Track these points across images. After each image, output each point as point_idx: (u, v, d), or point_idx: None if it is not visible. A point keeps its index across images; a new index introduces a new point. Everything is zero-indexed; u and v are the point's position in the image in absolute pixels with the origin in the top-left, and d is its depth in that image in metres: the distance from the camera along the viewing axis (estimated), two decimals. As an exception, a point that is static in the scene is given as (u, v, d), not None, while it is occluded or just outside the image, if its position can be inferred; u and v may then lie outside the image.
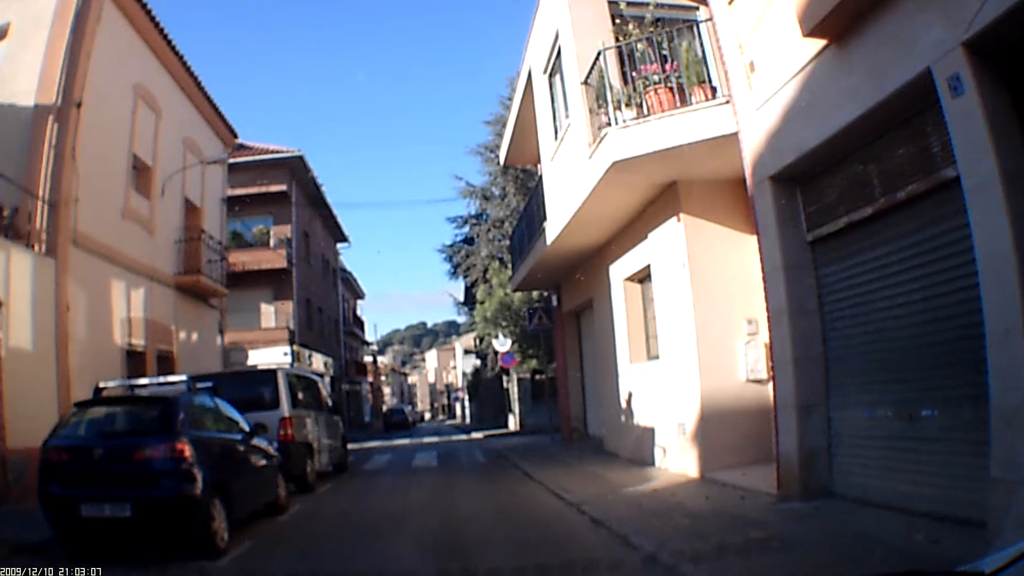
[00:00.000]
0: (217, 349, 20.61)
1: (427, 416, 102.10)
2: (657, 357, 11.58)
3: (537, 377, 28.95)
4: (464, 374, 68.02)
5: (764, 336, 9.89)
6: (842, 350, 7.23)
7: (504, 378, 32.41)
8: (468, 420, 57.38)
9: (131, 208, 15.58)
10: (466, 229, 34.14)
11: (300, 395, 12.81)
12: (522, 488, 10.93)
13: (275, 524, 8.87)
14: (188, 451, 6.87)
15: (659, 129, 8.80)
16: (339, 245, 46.43)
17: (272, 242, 31.68)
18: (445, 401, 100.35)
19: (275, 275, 31.01)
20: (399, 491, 11.64)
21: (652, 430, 11.68)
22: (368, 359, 64.58)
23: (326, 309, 40.28)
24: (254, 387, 12.11)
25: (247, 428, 9.15)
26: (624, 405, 13.11)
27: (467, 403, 60.53)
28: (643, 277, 12.50)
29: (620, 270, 13.08)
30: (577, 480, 10.65)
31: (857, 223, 6.73)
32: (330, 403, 15.05)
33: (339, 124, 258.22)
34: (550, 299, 19.85)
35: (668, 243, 10.69)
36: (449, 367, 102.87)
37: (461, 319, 54.59)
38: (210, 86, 20.54)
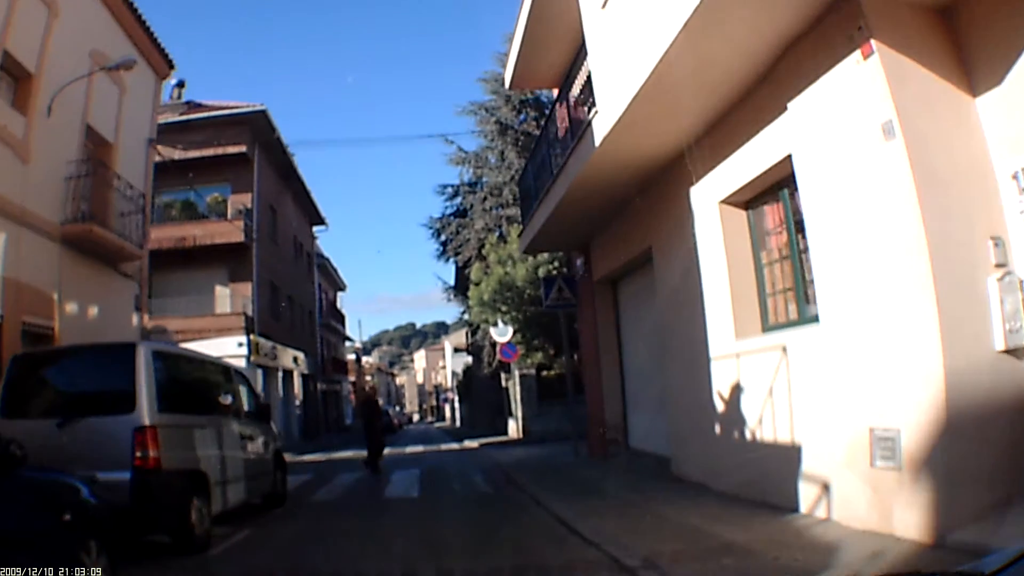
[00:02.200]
0: (133, 331, 15.49)
1: (415, 418, 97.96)
2: (812, 320, 6.70)
3: (544, 373, 23.97)
4: (454, 373, 63.25)
5: (1019, 269, 5.14)
6: None
7: (503, 375, 27.39)
8: (459, 423, 52.44)
9: (-9, 120, 10.86)
10: (458, 200, 29.08)
11: (189, 391, 7.82)
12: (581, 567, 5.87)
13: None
14: None
15: None
16: (316, 228, 41.41)
17: (229, 213, 26.62)
18: (434, 403, 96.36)
19: (232, 252, 25.96)
20: (348, 559, 6.58)
21: (794, 450, 6.74)
22: (351, 357, 59.57)
23: (298, 298, 35.20)
24: (95, 375, 7.17)
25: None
26: (721, 407, 8.18)
27: (457, 405, 55.58)
28: (763, 192, 7.65)
29: (714, 188, 8.17)
30: (680, 548, 5.68)
31: None
32: (257, 406, 9.98)
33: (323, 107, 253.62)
34: (572, 265, 14.92)
35: (841, 104, 5.82)
36: (438, 367, 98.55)
37: (450, 320, 49.73)
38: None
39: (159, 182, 26.82)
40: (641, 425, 12.30)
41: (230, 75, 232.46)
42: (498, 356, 23.42)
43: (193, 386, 7.99)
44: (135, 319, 15.74)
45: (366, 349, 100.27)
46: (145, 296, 16.53)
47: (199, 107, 29.02)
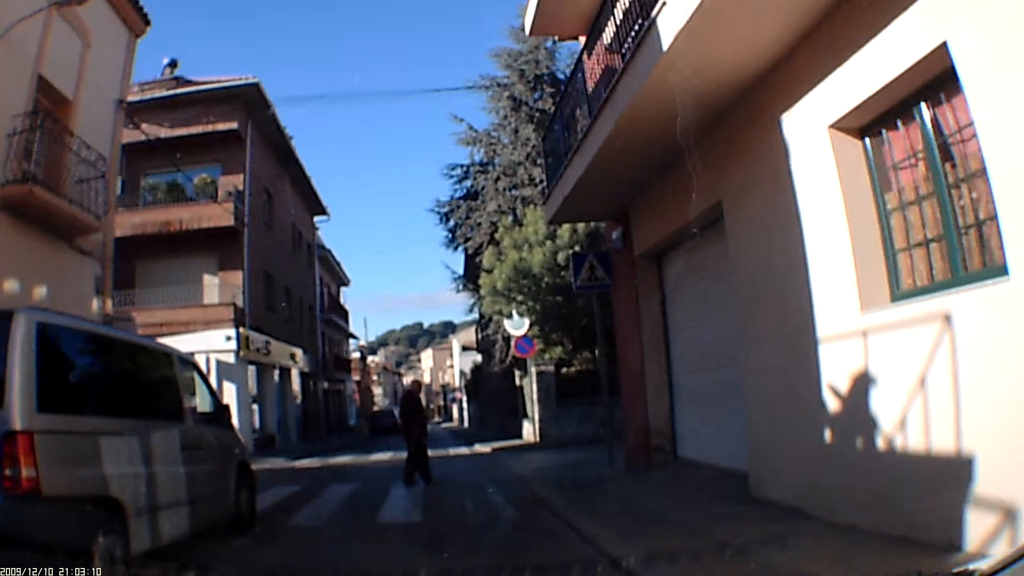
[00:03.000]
0: (94, 317, 13.37)
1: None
2: (989, 275, 4.56)
3: (563, 370, 21.73)
4: (462, 372, 61.09)
5: None
6: None
7: (516, 373, 25.19)
8: (467, 424, 50.29)
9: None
10: (468, 183, 26.86)
11: (99, 384, 5.66)
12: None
13: None
14: None
15: None
16: (317, 219, 39.36)
17: (219, 195, 24.46)
18: (441, 403, 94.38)
19: (222, 237, 23.88)
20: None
21: (960, 464, 4.57)
22: (356, 355, 57.50)
23: (297, 291, 33.10)
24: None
25: None
26: (835, 405, 6.01)
27: (465, 405, 53.39)
28: (888, 111, 5.51)
29: (821, 109, 5.99)
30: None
31: None
32: (216, 406, 7.79)
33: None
34: (607, 241, 12.80)
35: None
36: (445, 366, 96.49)
37: (458, 320, 47.68)
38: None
39: (144, 163, 24.83)
40: (695, 430, 10.10)
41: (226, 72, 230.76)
42: (512, 351, 21.27)
43: (107, 377, 5.80)
44: (95, 304, 13.62)
45: (372, 349, 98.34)
46: (109, 278, 14.43)
47: (188, 84, 27.00)
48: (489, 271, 21.47)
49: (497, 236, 22.42)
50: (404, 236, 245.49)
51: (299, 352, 31.12)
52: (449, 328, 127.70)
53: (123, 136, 22.95)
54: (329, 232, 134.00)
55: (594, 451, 15.74)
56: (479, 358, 42.61)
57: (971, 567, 2.03)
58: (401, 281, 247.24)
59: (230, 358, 22.07)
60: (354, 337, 54.64)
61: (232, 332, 22.28)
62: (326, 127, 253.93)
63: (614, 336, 12.32)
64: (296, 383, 31.53)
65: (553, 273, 20.35)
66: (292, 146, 30.31)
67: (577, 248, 20.14)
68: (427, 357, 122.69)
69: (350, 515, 8.90)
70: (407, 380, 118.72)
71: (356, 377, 55.54)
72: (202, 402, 7.42)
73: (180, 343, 21.90)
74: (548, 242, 20.35)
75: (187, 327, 22.17)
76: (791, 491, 6.80)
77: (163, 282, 23.16)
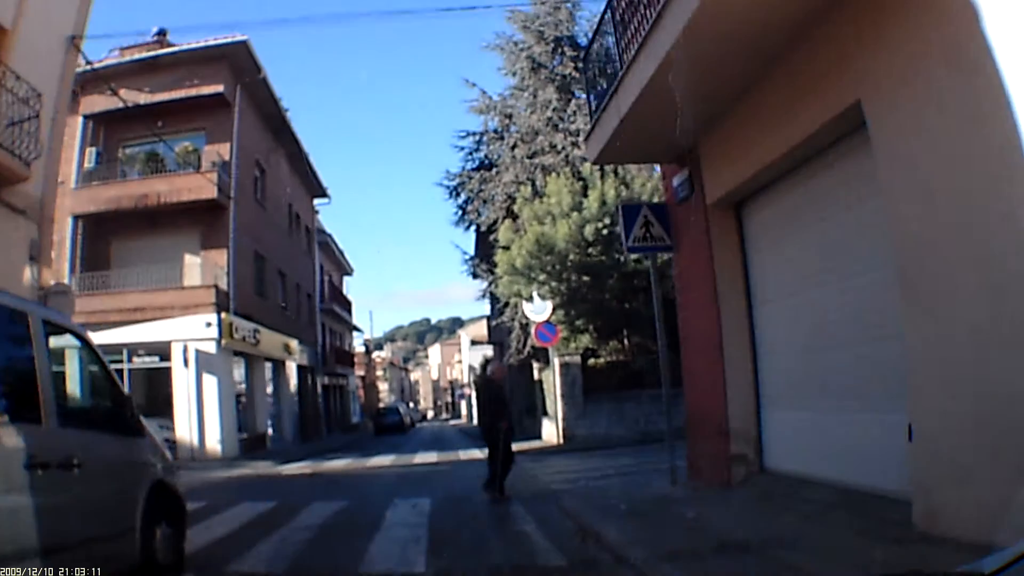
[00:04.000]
0: (26, 290, 10.80)
1: (430, 414, 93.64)
2: None
3: (591, 361, 19.06)
4: (471, 367, 58.60)
5: None
6: None
7: (535, 365, 22.58)
8: (475, 421, 47.70)
9: None
10: (480, 155, 24.22)
11: None
12: None
13: None
14: None
15: None
16: (317, 202, 36.85)
17: (203, 166, 21.91)
18: (449, 399, 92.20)
19: (205, 212, 21.36)
20: None
21: None
22: (360, 348, 55.03)
23: (293, 276, 30.60)
24: None
25: None
26: None
27: (475, 401, 50.84)
28: None
29: None
30: None
31: None
32: (115, 398, 5.19)
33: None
34: (668, 190, 10.26)
35: None
36: (453, 361, 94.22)
37: (465, 317, 45.00)
38: None
39: (123, 132, 22.26)
40: (794, 432, 7.48)
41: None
42: (532, 339, 18.69)
43: None
44: (28, 272, 11.09)
45: (379, 344, 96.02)
46: (49, 242, 11.90)
47: (172, 47, 24.47)
48: (506, 248, 18.87)
49: (515, 209, 19.83)
50: (410, 234, 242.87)
51: (295, 343, 28.57)
52: (457, 324, 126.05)
53: (102, 104, 20.61)
54: (334, 227, 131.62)
55: (633, 456, 13.21)
56: (490, 351, 40.08)
57: (974, 566, 1.81)
58: (408, 277, 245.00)
59: (211, 347, 19.54)
60: (358, 330, 52.10)
61: (213, 318, 19.73)
62: (327, 121, 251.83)
63: (672, 312, 9.74)
64: (292, 377, 29.02)
65: (580, 249, 17.76)
66: (287, 118, 27.80)
67: (607, 221, 17.57)
68: (435, 352, 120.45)
69: (325, 555, 6.31)
70: (413, 376, 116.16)
71: (360, 372, 53.07)
72: (89, 394, 4.86)
73: (155, 330, 19.43)
74: (574, 213, 17.76)
75: (164, 312, 19.72)
76: (1002, 527, 4.22)
77: (140, 262, 20.65)
